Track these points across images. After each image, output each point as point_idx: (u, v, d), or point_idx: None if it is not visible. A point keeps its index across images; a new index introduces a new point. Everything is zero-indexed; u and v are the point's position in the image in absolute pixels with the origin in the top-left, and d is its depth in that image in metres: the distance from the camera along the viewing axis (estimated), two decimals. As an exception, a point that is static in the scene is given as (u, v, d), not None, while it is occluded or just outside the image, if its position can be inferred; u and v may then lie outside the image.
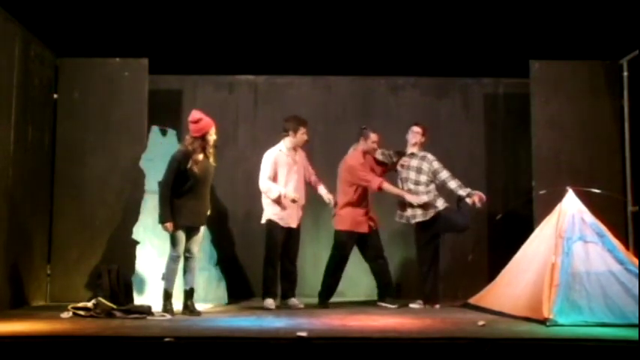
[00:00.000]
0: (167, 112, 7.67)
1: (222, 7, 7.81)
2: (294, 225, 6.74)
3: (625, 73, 7.37)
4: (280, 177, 6.74)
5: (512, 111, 8.00)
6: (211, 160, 6.20)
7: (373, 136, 6.84)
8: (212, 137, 6.16)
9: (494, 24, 7.84)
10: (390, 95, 8.09)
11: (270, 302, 6.68)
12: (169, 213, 6.00)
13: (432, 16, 7.89)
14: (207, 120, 6.15)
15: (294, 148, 6.82)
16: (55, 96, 7.41)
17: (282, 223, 6.69)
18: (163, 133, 7.26)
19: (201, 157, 6.08)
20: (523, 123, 7.65)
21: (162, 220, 6.03)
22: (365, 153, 6.88)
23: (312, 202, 7.37)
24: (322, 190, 6.87)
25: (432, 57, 7.97)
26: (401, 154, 6.95)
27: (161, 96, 7.71)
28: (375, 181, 6.70)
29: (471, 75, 8.08)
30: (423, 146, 6.94)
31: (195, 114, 6.17)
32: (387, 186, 6.72)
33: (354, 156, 6.87)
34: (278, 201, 6.67)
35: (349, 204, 6.76)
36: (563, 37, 7.71)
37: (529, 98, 7.54)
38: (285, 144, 6.80)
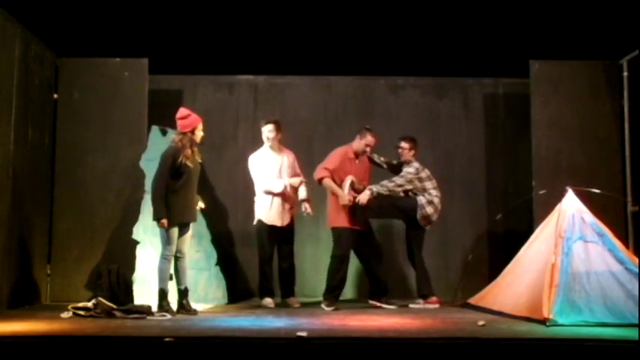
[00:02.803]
0: (167, 112, 7.64)
1: (221, 8, 7.81)
2: (278, 224, 6.76)
3: (625, 73, 7.37)
4: (272, 176, 6.81)
5: (512, 111, 8.00)
6: (197, 157, 6.22)
7: (369, 139, 6.71)
8: (200, 133, 6.21)
9: (494, 24, 7.84)
10: (390, 95, 8.08)
11: (268, 301, 6.74)
12: (164, 209, 5.98)
13: (432, 15, 7.89)
14: (195, 116, 6.22)
15: (279, 149, 6.88)
16: (55, 96, 7.41)
17: (266, 221, 6.74)
18: (163, 133, 7.26)
19: (190, 152, 6.12)
20: (523, 123, 7.65)
21: (158, 217, 5.99)
22: (355, 152, 6.76)
23: (312, 202, 7.36)
24: (302, 192, 6.86)
25: (432, 57, 7.98)
26: (396, 165, 6.96)
27: (161, 96, 7.71)
28: (319, 173, 6.64)
29: (471, 75, 8.08)
30: (416, 157, 6.89)
31: (182, 110, 6.24)
32: (327, 182, 6.61)
33: (339, 149, 6.77)
34: (273, 194, 6.70)
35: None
36: (563, 37, 7.72)
37: (529, 98, 7.53)
38: (266, 146, 6.89)
